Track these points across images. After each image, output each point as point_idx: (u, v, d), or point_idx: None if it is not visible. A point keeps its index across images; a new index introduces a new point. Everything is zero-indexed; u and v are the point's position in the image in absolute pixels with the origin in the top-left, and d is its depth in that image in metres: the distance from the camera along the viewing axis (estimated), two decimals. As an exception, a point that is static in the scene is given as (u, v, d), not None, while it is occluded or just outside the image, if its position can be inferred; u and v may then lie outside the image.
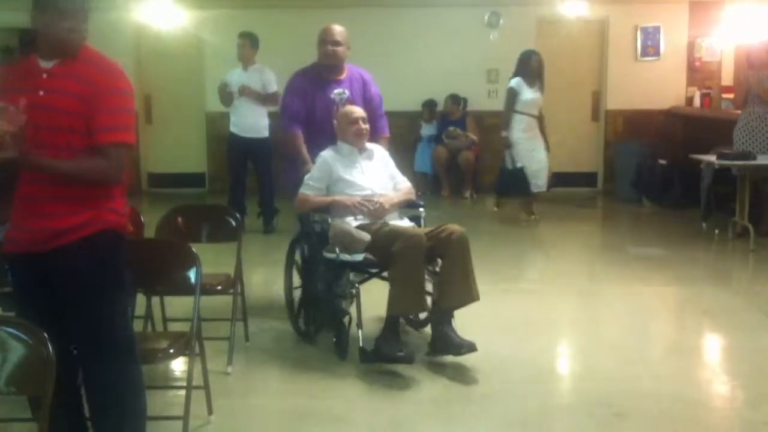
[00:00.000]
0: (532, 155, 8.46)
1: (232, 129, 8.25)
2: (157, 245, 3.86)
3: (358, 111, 4.75)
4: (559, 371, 4.62)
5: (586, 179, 11.19)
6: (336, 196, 4.58)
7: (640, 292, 6.15)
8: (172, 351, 3.35)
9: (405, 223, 4.68)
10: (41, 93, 2.79)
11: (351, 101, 4.99)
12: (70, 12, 2.78)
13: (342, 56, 5.06)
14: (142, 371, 3.10)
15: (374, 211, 4.52)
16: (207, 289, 4.06)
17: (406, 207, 4.85)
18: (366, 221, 4.52)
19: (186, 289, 3.56)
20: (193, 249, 3.57)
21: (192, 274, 3.55)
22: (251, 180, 8.44)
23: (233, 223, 4.64)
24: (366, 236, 4.34)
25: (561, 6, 10.27)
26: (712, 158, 7.58)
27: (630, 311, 5.64)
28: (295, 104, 5.05)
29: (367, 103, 5.09)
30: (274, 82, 8.04)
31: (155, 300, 4.42)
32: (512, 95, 8.49)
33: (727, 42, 10.54)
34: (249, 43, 8.11)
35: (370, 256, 4.37)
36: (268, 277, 6.27)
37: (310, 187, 4.63)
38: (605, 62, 10.97)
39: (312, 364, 4.43)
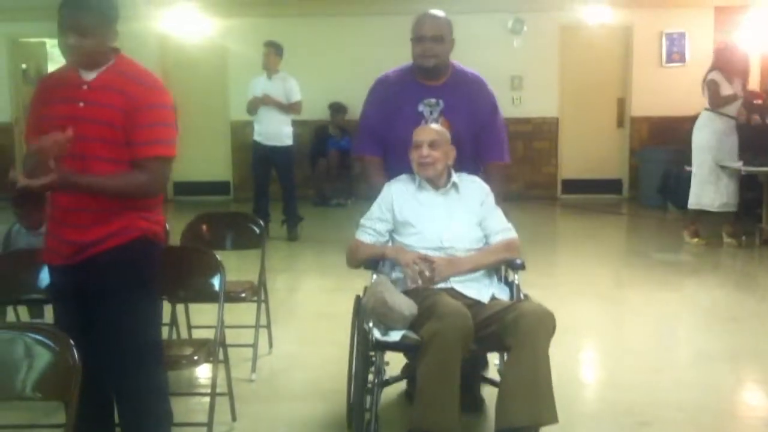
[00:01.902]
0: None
1: (256, 137, 8.32)
2: (182, 252, 3.90)
3: (428, 130, 3.54)
4: (583, 378, 4.59)
5: (612, 186, 11.13)
6: (388, 248, 3.52)
7: (665, 298, 6.10)
8: (196, 358, 3.37)
9: (486, 289, 3.44)
10: (81, 104, 2.80)
11: (445, 115, 3.72)
12: (68, 28, 2.77)
13: (442, 56, 3.75)
14: (168, 377, 3.13)
15: (428, 278, 3.35)
16: (231, 296, 4.09)
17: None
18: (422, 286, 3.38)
19: (210, 296, 3.59)
20: (217, 256, 3.60)
21: (216, 281, 3.58)
22: (275, 188, 8.50)
23: (257, 230, 4.67)
24: (410, 307, 3.23)
25: (585, 12, 10.24)
26: (738, 164, 7.52)
27: (655, 317, 5.61)
28: (370, 120, 3.85)
29: (474, 117, 3.77)
30: (297, 90, 8.13)
31: (180, 307, 4.46)
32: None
33: (752, 47, 10.45)
34: (274, 51, 8.19)
35: (412, 335, 3.22)
36: (292, 285, 6.30)
37: (365, 230, 3.56)
38: (630, 69, 10.91)
39: (337, 371, 4.44)
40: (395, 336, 3.22)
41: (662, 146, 10.44)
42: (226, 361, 3.61)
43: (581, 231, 8.99)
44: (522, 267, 3.52)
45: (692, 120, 8.08)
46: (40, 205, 4.30)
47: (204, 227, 4.56)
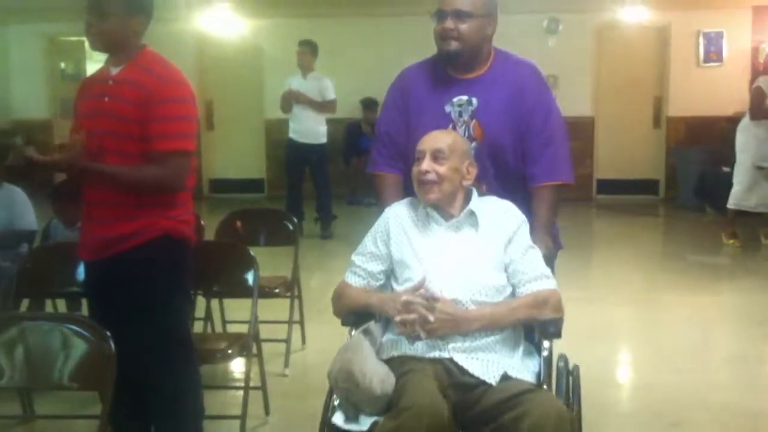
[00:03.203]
0: None
1: (291, 135, 8.38)
2: (216, 248, 3.93)
3: (434, 137, 2.67)
4: (616, 379, 4.56)
5: (648, 187, 11.03)
6: (375, 296, 2.62)
7: (699, 300, 6.04)
8: (230, 352, 3.41)
9: (497, 364, 2.47)
10: (106, 99, 2.86)
11: (478, 118, 2.86)
12: (89, 6, 2.83)
13: (469, 38, 2.84)
14: (200, 372, 3.17)
15: (418, 335, 2.43)
16: (265, 292, 4.13)
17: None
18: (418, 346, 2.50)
19: (244, 291, 3.63)
20: (251, 252, 3.63)
21: (250, 277, 3.62)
22: (309, 185, 8.54)
23: (291, 227, 4.71)
24: (384, 384, 2.36)
25: (621, 12, 10.16)
26: (776, 166, 7.42)
27: (688, 319, 5.56)
28: (386, 126, 3.03)
29: (518, 119, 2.88)
30: (331, 89, 8.19)
31: (214, 302, 4.50)
32: None
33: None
34: (309, 50, 8.24)
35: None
36: (325, 282, 6.31)
37: (354, 270, 2.70)
38: (667, 68, 10.80)
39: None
40: (364, 424, 2.35)
41: (699, 146, 10.32)
42: (259, 355, 3.64)
43: (616, 232, 8.92)
44: (555, 334, 2.52)
45: (729, 120, 7.99)
46: (77, 200, 4.40)
47: (238, 223, 4.60)
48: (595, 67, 10.80)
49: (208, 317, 4.39)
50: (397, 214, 2.70)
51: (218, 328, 4.57)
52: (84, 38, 10.13)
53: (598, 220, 8.86)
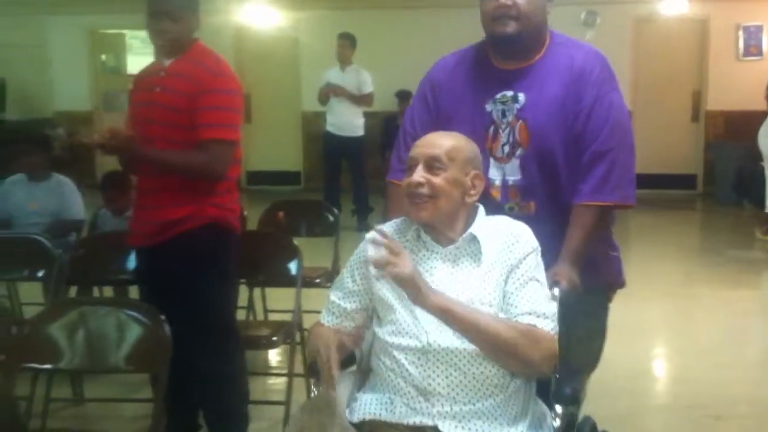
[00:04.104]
0: None
1: (328, 128, 8.46)
2: (260, 238, 4.02)
3: (432, 140, 2.16)
4: (653, 372, 4.58)
5: (685, 181, 10.94)
6: (323, 345, 2.06)
7: (736, 295, 6.03)
8: (275, 339, 3.49)
9: None
10: (157, 90, 2.97)
11: (524, 118, 2.37)
12: (156, 13, 2.92)
13: (533, 15, 2.33)
14: (245, 357, 3.26)
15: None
16: (306, 281, 4.20)
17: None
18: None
19: (287, 280, 3.71)
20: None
21: (293, 266, 3.70)
22: (346, 178, 8.62)
23: (331, 218, 4.79)
24: None
25: (659, 4, 10.09)
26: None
27: (726, 314, 5.55)
28: (407, 124, 2.57)
29: (576, 122, 2.35)
30: (369, 83, 8.24)
31: (256, 291, 4.59)
32: None
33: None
34: (348, 43, 8.32)
35: None
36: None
37: (330, 309, 2.23)
38: (706, 62, 10.70)
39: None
40: None
41: (738, 141, 10.22)
42: (302, 343, 3.72)
43: (653, 226, 8.88)
44: (571, 399, 2.08)
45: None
46: (126, 189, 4.54)
47: (280, 214, 4.68)
48: (632, 61, 10.73)
49: (250, 306, 4.47)
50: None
51: (260, 317, 4.65)
52: (125, 31, 10.28)
53: (634, 215, 8.79)
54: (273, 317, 4.59)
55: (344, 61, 8.32)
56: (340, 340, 2.05)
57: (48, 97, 11.90)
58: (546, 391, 2.12)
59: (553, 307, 2.06)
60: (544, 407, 2.15)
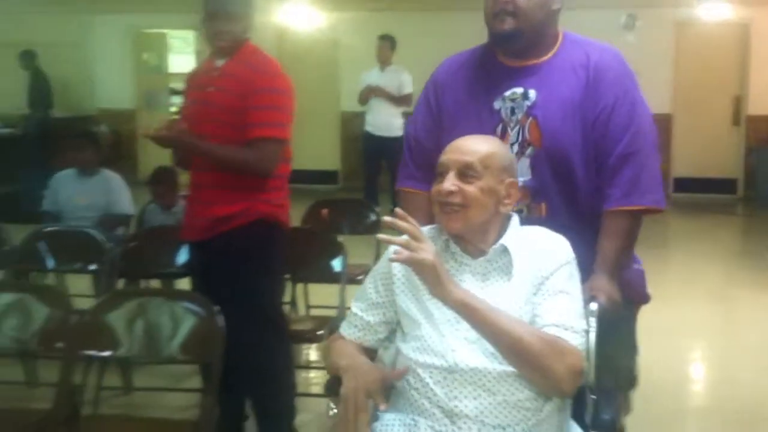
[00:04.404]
0: None
1: (367, 128, 8.54)
2: (305, 234, 4.08)
3: (466, 144, 2.00)
4: (695, 375, 4.59)
5: (726, 186, 10.84)
6: (345, 360, 2.00)
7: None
8: (319, 333, 3.55)
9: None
10: (211, 89, 3.05)
11: (535, 117, 2.23)
12: (216, 15, 3.00)
13: (531, 13, 2.23)
14: (291, 350, 3.33)
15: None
16: (349, 278, 4.25)
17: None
18: None
19: (330, 276, 3.77)
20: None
21: (337, 263, 3.76)
22: (385, 178, 8.67)
23: (373, 217, 4.85)
24: None
25: (700, 8, 10.02)
26: None
27: (766, 317, 5.51)
28: (417, 131, 2.44)
29: (596, 123, 2.22)
30: (409, 84, 8.30)
31: (299, 287, 4.65)
32: None
33: None
34: (388, 45, 8.42)
35: None
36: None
37: (351, 321, 2.10)
38: (747, 66, 10.60)
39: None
40: None
41: (780, 146, 10.13)
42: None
43: (693, 229, 8.83)
44: (609, 427, 2.00)
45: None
46: (174, 186, 4.64)
47: (324, 212, 4.75)
48: (673, 64, 10.67)
49: (292, 301, 4.54)
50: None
51: (302, 313, 4.72)
52: (166, 31, 10.48)
53: (674, 218, 8.78)
54: (315, 313, 4.65)
55: (384, 62, 8.40)
56: (377, 380, 1.88)
57: (91, 95, 12.11)
58: (581, 416, 1.98)
59: (582, 323, 1.89)
60: None
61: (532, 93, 2.23)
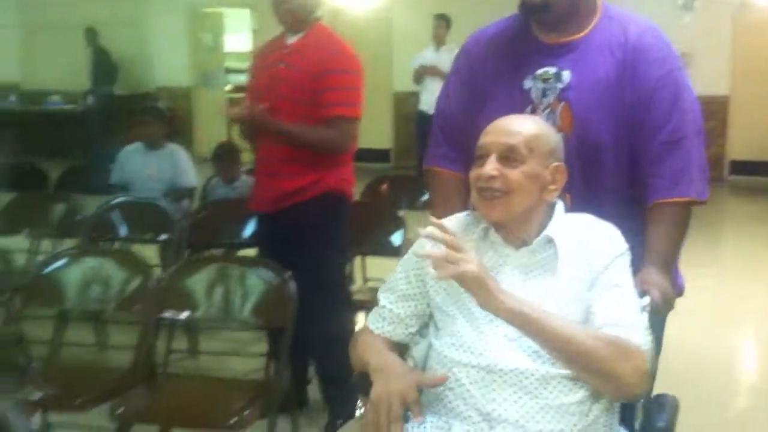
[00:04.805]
0: None
1: (421, 107, 8.62)
2: (365, 208, 4.19)
3: (506, 125, 1.85)
4: (753, 359, 4.59)
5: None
6: (374, 358, 1.84)
7: None
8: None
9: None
10: (281, 66, 3.16)
11: (568, 99, 2.04)
12: None
13: None
14: (356, 321, 3.45)
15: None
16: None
17: None
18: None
19: (388, 250, 3.87)
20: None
21: (397, 237, 3.87)
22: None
23: (428, 194, 4.93)
24: None
25: (763, -12, 9.87)
26: None
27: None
28: (447, 108, 2.26)
29: (634, 108, 2.03)
30: (464, 62, 8.35)
31: (357, 260, 4.77)
32: None
33: None
34: (443, 24, 8.51)
35: None
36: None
37: (380, 313, 1.94)
38: (810, 46, 10.41)
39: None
40: None
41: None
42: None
43: (750, 212, 8.73)
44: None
45: None
46: (236, 160, 4.78)
47: (383, 187, 4.85)
48: (731, 45, 10.51)
49: (350, 274, 4.65)
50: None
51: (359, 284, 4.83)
52: (223, 9, 10.66)
53: (730, 201, 8.70)
54: (370, 285, 4.75)
55: (439, 41, 8.49)
56: (412, 386, 1.71)
57: (149, 74, 12.35)
58: (631, 421, 1.84)
59: (643, 320, 1.76)
60: None
61: (565, 74, 2.05)
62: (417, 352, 1.90)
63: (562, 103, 2.03)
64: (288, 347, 2.65)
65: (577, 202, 1.98)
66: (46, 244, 4.57)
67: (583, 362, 1.66)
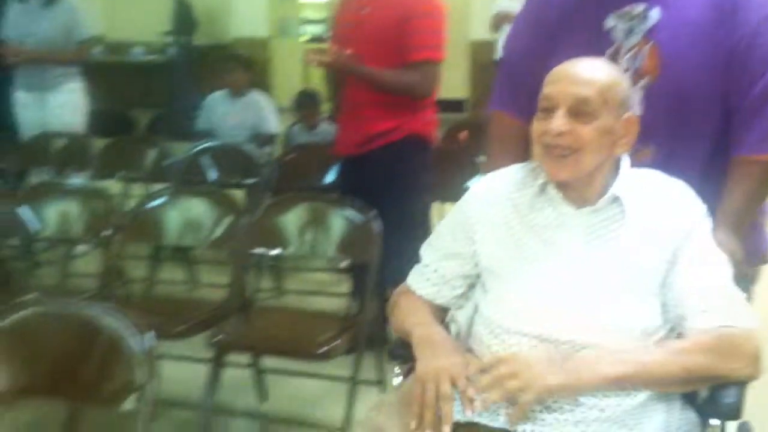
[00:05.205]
0: None
1: (499, 56, 8.55)
2: (444, 154, 4.24)
3: (576, 72, 1.61)
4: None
5: None
6: (418, 329, 1.70)
7: None
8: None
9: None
10: (366, 11, 3.23)
11: (657, 40, 1.85)
12: None
13: None
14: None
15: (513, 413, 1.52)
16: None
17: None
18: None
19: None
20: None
21: (473, 183, 3.94)
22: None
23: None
24: None
25: None
26: None
27: None
28: (515, 51, 2.13)
29: (732, 53, 1.83)
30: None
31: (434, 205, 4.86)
32: None
33: None
34: (522, -31, 8.34)
35: None
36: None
37: (423, 272, 1.81)
38: None
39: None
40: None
41: None
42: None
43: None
44: (731, 411, 1.57)
45: None
46: (317, 108, 4.91)
47: (462, 135, 4.92)
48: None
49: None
50: (491, 192, 1.72)
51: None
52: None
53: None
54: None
55: (516, -12, 8.37)
56: (461, 365, 1.59)
57: (226, 24, 12.51)
58: (693, 397, 1.66)
59: (740, 291, 1.59)
60: (694, 417, 1.62)
61: (654, 12, 1.84)
62: (461, 315, 1.74)
63: (650, 44, 1.84)
64: (374, 283, 2.78)
65: (663, 156, 1.84)
66: (137, 189, 4.82)
67: (696, 382, 1.54)
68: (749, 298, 1.72)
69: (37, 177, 4.58)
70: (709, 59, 1.82)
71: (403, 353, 1.72)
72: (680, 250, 1.57)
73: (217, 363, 2.69)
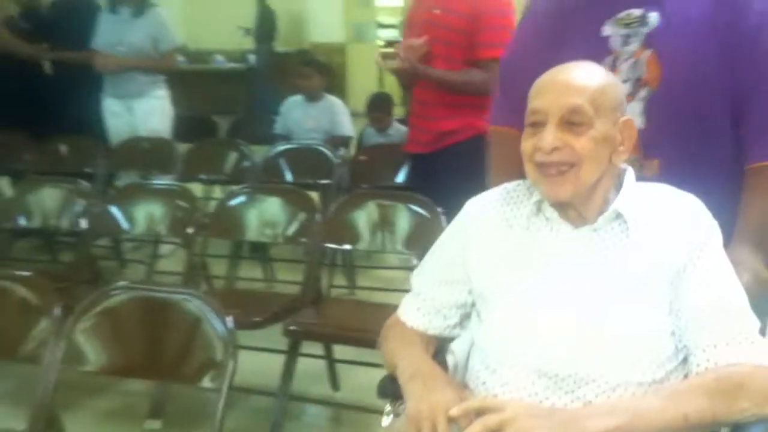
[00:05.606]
0: None
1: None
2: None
3: (568, 78, 1.47)
4: None
5: None
6: (404, 362, 1.57)
7: None
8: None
9: None
10: (437, 11, 3.33)
11: (656, 48, 1.73)
12: None
13: None
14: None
15: None
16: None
17: None
18: None
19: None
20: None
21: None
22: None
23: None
24: None
25: None
26: None
27: None
28: (513, 59, 2.05)
29: (738, 57, 1.69)
30: None
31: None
32: None
33: None
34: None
35: None
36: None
37: (414, 298, 1.70)
38: None
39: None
40: None
41: None
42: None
43: None
44: None
45: None
46: (389, 110, 5.03)
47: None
48: None
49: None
50: (485, 212, 1.62)
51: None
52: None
53: None
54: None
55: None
56: (455, 400, 1.41)
57: (305, 29, 12.77)
58: None
59: (754, 318, 1.42)
60: None
61: (652, 17, 1.73)
62: (457, 346, 1.63)
63: (648, 51, 1.72)
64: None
65: (669, 168, 1.70)
66: (218, 190, 5.04)
67: (699, 429, 1.34)
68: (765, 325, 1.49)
69: (125, 180, 4.82)
70: (712, 62, 1.68)
71: (395, 389, 1.56)
72: (684, 273, 1.41)
73: (293, 352, 2.85)
